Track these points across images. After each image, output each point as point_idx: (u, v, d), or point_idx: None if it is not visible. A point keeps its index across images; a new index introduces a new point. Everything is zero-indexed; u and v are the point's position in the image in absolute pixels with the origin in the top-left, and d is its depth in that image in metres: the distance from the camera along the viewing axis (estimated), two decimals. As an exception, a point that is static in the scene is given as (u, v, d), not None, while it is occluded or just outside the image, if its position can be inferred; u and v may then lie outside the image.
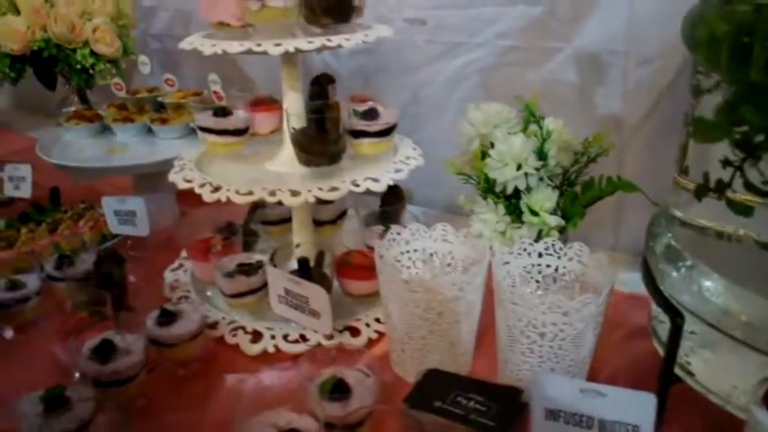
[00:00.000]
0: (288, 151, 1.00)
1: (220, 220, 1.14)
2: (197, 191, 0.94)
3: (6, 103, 2.52)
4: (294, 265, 0.97)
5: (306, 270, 0.94)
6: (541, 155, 0.96)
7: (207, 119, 1.01)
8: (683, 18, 0.70)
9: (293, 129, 0.96)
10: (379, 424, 0.73)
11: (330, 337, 0.94)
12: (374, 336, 0.96)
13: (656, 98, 1.05)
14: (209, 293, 1.08)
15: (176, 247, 1.23)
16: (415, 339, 0.84)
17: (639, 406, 0.61)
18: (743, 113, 0.64)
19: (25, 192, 1.42)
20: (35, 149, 1.43)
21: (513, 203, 0.97)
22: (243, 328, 0.98)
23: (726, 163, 0.65)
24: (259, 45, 0.88)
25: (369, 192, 0.93)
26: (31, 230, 1.27)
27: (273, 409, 0.71)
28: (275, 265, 0.95)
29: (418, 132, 1.22)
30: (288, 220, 1.14)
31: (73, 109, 1.64)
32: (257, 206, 1.18)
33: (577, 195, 0.98)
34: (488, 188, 0.99)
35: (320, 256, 0.97)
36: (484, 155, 0.98)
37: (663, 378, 0.72)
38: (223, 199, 0.91)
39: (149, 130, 1.51)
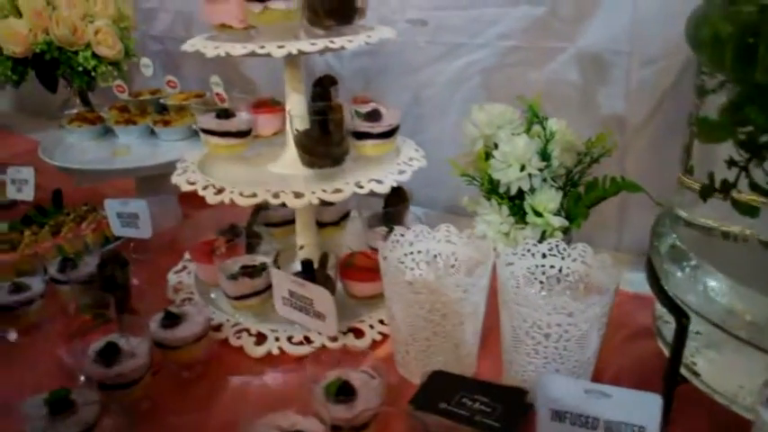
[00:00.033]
0: (291, 153, 1.00)
1: (223, 222, 1.14)
2: (200, 193, 0.94)
3: (8, 105, 2.52)
4: (298, 266, 0.97)
5: (310, 272, 0.94)
6: (545, 156, 0.95)
7: (209, 121, 1.01)
8: (687, 18, 0.70)
9: (296, 130, 0.96)
10: (384, 426, 0.73)
11: (334, 338, 0.94)
12: (378, 337, 0.96)
13: (659, 98, 1.05)
14: (212, 295, 1.08)
15: (179, 250, 1.23)
16: (420, 341, 0.84)
17: (645, 407, 0.61)
18: (748, 114, 0.64)
19: (28, 194, 1.42)
20: (37, 152, 1.43)
21: (516, 204, 0.97)
22: (247, 330, 0.98)
23: (731, 163, 0.65)
24: (262, 47, 0.88)
25: (372, 193, 0.93)
26: (33, 233, 1.27)
27: (278, 411, 0.71)
28: (279, 267, 0.95)
29: (420, 133, 1.23)
30: (291, 221, 1.14)
31: (75, 111, 1.64)
32: (260, 208, 1.18)
33: (581, 196, 0.98)
34: (492, 189, 0.99)
35: (324, 258, 0.97)
36: (487, 156, 0.98)
37: (668, 378, 0.72)
38: (227, 201, 0.91)
39: (152, 132, 1.51)
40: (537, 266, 0.86)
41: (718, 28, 0.65)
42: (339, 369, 0.79)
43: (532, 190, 0.95)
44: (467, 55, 1.26)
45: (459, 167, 1.03)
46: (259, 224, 1.20)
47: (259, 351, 0.94)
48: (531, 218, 0.95)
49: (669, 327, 0.73)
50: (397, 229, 0.92)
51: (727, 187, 0.67)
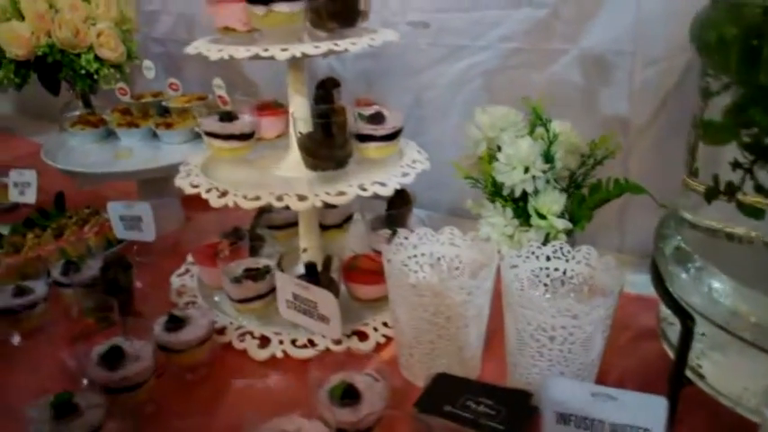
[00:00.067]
0: (294, 156, 1.00)
1: (226, 224, 1.14)
2: (204, 196, 0.94)
3: (11, 108, 2.52)
4: (301, 269, 0.97)
5: (314, 275, 0.94)
6: (548, 158, 0.95)
7: (212, 123, 1.01)
8: (692, 21, 0.70)
9: (300, 133, 0.96)
10: (389, 429, 0.73)
11: (338, 341, 0.94)
12: (382, 340, 0.96)
13: (662, 99, 1.05)
14: (216, 299, 1.08)
15: (182, 253, 1.23)
16: (424, 344, 0.84)
17: (650, 409, 0.61)
18: (752, 116, 0.64)
19: (30, 197, 1.42)
20: (40, 155, 1.43)
21: (520, 207, 0.97)
22: (251, 333, 0.98)
23: (735, 165, 0.65)
24: (266, 50, 0.88)
25: (375, 196, 0.93)
26: (36, 236, 1.27)
27: (283, 414, 0.71)
28: (283, 270, 0.95)
29: (422, 135, 1.22)
30: (294, 224, 1.14)
31: (77, 114, 1.63)
32: (263, 211, 1.18)
33: (584, 198, 0.98)
34: (496, 191, 0.99)
35: (328, 261, 0.97)
36: (491, 158, 0.98)
37: (674, 381, 0.72)
38: (230, 204, 0.91)
39: (154, 135, 1.51)
40: (541, 269, 0.86)
41: (723, 30, 0.65)
42: (343, 372, 0.79)
43: (536, 192, 0.95)
44: (468, 57, 1.26)
45: (462, 170, 1.03)
46: (262, 227, 1.20)
47: (263, 354, 0.94)
48: (534, 220, 0.95)
49: (674, 328, 0.73)
50: (401, 232, 0.93)
51: (732, 189, 0.67)
